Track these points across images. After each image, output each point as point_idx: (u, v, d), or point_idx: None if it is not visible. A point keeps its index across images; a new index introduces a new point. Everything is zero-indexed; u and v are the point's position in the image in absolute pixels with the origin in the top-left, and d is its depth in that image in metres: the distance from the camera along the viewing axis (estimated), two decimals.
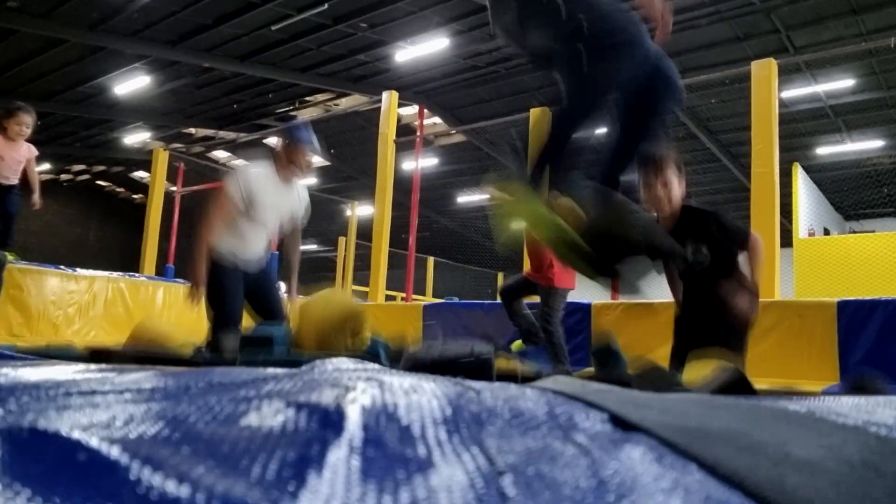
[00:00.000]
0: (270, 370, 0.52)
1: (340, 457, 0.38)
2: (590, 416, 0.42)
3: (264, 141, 14.92)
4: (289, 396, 0.43)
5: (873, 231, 9.64)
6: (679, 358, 2.79)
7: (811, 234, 9.03)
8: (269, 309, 3.66)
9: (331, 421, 0.41)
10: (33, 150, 5.22)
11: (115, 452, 0.42)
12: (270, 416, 0.43)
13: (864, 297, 4.84)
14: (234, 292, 3.51)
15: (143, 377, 0.56)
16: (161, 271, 9.69)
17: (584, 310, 5.79)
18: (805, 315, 4.55)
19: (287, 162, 3.59)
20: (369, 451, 0.39)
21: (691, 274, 2.75)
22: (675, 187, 2.72)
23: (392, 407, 0.41)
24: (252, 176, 3.53)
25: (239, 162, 18.06)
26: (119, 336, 5.17)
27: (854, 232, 10.70)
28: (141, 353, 1.48)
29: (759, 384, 1.91)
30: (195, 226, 3.54)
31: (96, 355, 1.37)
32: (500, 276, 15.55)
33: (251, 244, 3.59)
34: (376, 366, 0.58)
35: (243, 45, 11.86)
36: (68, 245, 19.97)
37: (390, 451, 0.38)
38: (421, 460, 0.38)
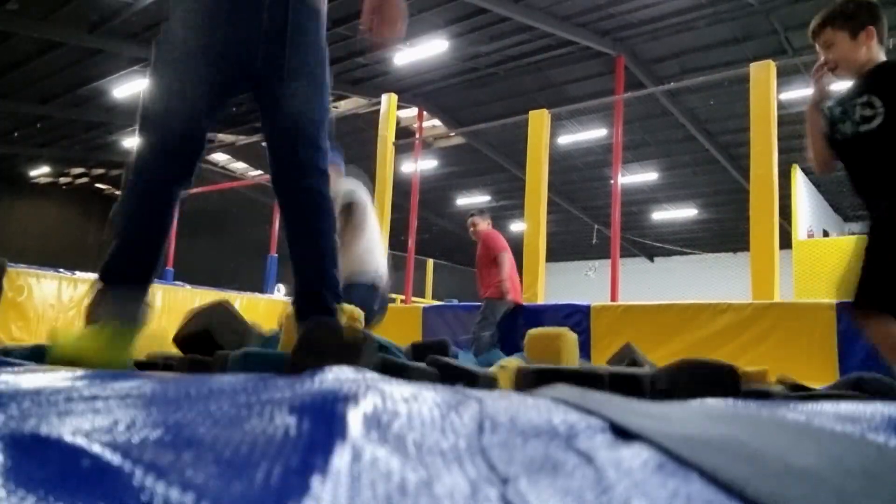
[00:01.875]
0: (272, 377, 0.52)
1: (343, 464, 0.38)
2: (591, 425, 0.42)
3: (262, 143, 14.88)
4: (291, 403, 0.44)
5: None
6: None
7: (810, 236, 9.03)
8: None
9: (333, 429, 0.41)
10: None
11: (117, 457, 0.42)
12: (273, 422, 0.43)
13: None
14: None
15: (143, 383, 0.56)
16: (160, 274, 9.68)
17: (583, 311, 5.79)
18: (804, 317, 4.55)
19: None
20: (371, 458, 0.39)
21: (854, 141, 2.24)
22: (844, 48, 2.30)
23: (393, 415, 0.41)
24: None
25: (238, 165, 18.06)
26: None
27: (853, 234, 10.70)
28: None
29: (759, 384, 1.91)
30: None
31: None
32: None
33: None
34: (376, 375, 0.58)
35: None
36: (67, 247, 19.93)
37: (392, 459, 0.38)
38: (423, 468, 0.38)
